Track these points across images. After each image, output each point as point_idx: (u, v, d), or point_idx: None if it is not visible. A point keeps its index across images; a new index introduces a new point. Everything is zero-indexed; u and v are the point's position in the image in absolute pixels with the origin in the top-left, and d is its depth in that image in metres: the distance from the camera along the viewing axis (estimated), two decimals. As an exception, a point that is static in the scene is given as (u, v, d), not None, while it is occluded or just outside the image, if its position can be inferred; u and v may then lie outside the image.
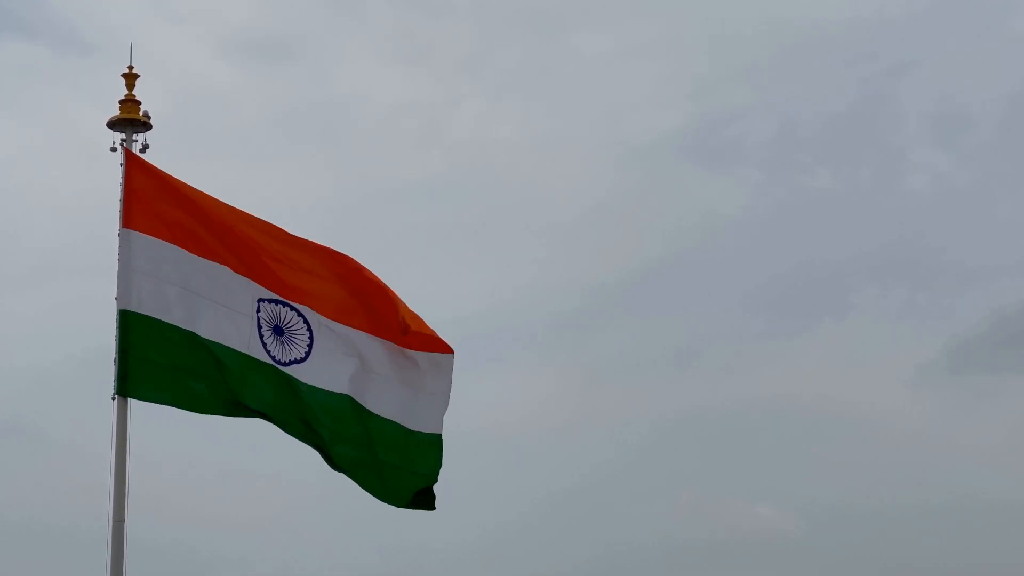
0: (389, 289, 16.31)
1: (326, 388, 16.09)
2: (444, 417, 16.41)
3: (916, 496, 44.99)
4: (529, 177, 53.15)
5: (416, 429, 16.26)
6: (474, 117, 53.88)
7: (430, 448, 16.30)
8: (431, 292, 44.26)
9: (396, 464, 16.22)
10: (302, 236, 16.49)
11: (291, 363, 16.15)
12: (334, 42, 54.16)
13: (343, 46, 54.33)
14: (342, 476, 16.30)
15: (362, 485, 16.28)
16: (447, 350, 16.29)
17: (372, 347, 16.28)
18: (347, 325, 16.30)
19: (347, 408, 16.09)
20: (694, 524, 45.01)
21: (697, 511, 45.66)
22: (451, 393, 16.39)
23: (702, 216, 53.03)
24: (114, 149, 16.50)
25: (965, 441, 47.16)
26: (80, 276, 44.09)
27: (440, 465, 16.32)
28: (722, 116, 54.52)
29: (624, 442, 46.75)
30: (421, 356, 16.25)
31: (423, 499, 16.39)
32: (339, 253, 16.46)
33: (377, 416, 16.18)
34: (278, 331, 16.22)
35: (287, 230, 16.44)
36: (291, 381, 16.09)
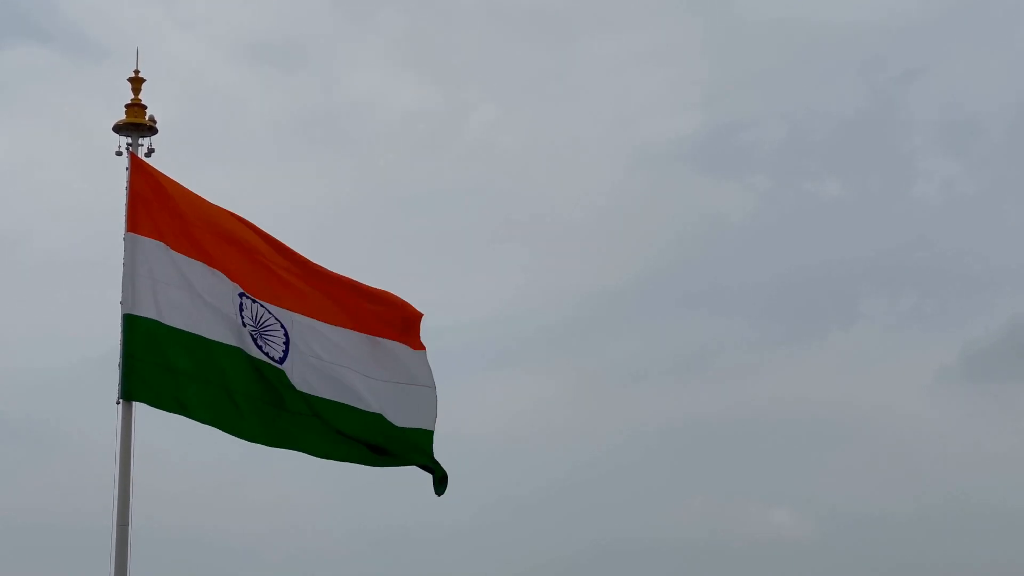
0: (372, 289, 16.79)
1: (308, 391, 16.41)
2: (436, 418, 16.85)
3: (931, 502, 44.99)
4: (538, 182, 53.24)
5: (403, 425, 16.66)
6: (483, 123, 53.99)
7: (418, 442, 16.73)
8: (439, 297, 44.28)
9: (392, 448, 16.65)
10: (306, 240, 16.89)
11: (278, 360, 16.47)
12: (344, 48, 54.30)
13: (353, 52, 54.44)
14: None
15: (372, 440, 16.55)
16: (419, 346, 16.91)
17: (355, 343, 16.68)
18: (330, 323, 16.66)
19: (331, 408, 16.45)
20: (706, 529, 45.02)
21: (709, 517, 45.65)
22: (439, 393, 16.94)
23: (710, 222, 53.14)
24: (120, 153, 16.53)
25: (981, 448, 47.12)
26: (86, 280, 44.22)
27: (427, 459, 16.69)
28: (731, 122, 54.61)
29: (632, 448, 46.78)
30: (400, 348, 16.81)
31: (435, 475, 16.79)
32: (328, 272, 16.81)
33: (361, 410, 16.52)
34: (262, 329, 16.46)
35: (285, 239, 16.80)
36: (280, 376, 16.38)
